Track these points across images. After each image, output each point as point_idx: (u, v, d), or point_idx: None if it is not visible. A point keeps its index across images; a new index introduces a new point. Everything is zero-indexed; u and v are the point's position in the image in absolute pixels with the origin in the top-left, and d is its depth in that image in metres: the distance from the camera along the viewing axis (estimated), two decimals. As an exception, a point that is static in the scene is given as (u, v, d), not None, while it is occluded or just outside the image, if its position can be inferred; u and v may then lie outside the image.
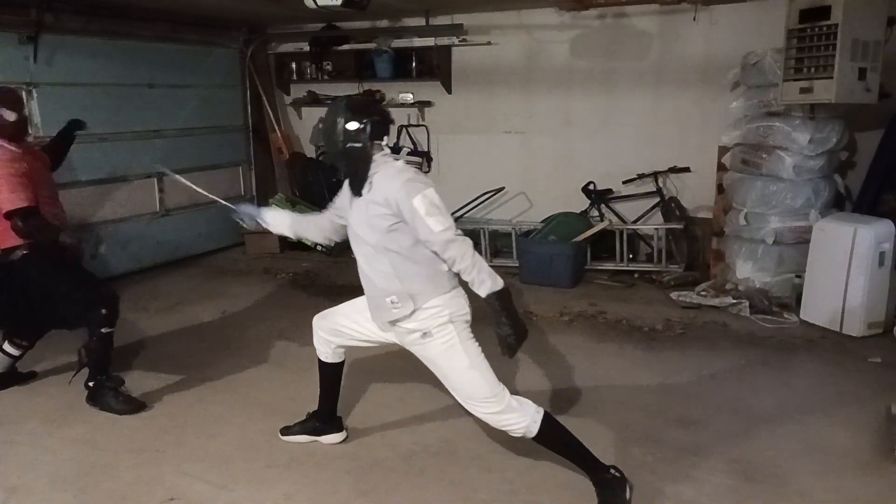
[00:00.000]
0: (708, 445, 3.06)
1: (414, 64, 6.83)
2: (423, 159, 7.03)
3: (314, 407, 3.51)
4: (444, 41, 6.62)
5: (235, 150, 7.37)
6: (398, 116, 7.09)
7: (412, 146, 7.12)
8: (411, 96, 6.92)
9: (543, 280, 5.55)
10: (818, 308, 4.53)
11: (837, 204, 5.12)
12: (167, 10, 6.07)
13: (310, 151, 7.65)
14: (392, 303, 2.61)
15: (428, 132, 7.05)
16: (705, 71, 5.72)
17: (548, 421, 2.60)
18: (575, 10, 6.00)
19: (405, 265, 2.57)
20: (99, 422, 3.37)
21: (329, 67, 7.28)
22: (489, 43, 6.48)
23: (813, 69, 4.43)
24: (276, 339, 4.50)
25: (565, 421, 3.27)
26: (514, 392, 2.66)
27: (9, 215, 3.22)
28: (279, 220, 3.07)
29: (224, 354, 4.26)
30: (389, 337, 2.81)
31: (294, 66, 7.49)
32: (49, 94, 5.33)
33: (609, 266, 5.82)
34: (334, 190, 8.01)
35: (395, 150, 7.10)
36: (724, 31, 5.60)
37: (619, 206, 6.21)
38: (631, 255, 5.91)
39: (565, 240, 5.65)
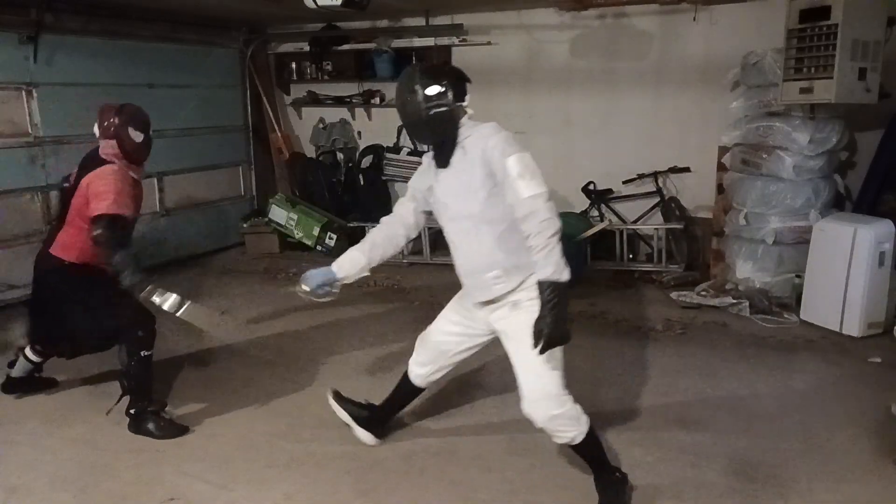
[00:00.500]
0: (708, 445, 3.06)
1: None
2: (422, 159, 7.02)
3: (314, 406, 3.52)
4: (444, 41, 6.63)
5: (235, 150, 7.37)
6: (398, 116, 7.08)
7: (412, 146, 7.11)
8: (411, 96, 6.91)
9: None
10: (818, 308, 4.53)
11: (837, 204, 5.12)
12: (167, 10, 6.07)
13: (310, 151, 7.65)
14: (495, 278, 2.46)
15: (428, 132, 7.04)
16: (705, 71, 5.72)
17: (591, 432, 2.54)
18: (575, 10, 6.01)
19: (509, 234, 2.42)
20: (99, 422, 3.37)
21: (329, 67, 7.29)
22: (489, 43, 6.48)
23: (813, 69, 4.43)
24: (276, 340, 4.50)
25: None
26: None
27: (98, 217, 3.03)
28: (353, 266, 2.77)
29: (224, 354, 4.26)
30: (481, 326, 2.68)
31: (294, 66, 7.49)
32: (49, 94, 5.32)
33: (609, 266, 5.82)
34: (334, 190, 8.09)
35: (395, 149, 7.11)
36: (724, 31, 5.60)
37: (619, 206, 6.21)
38: (631, 255, 5.91)
39: (565, 240, 5.63)
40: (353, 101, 7.25)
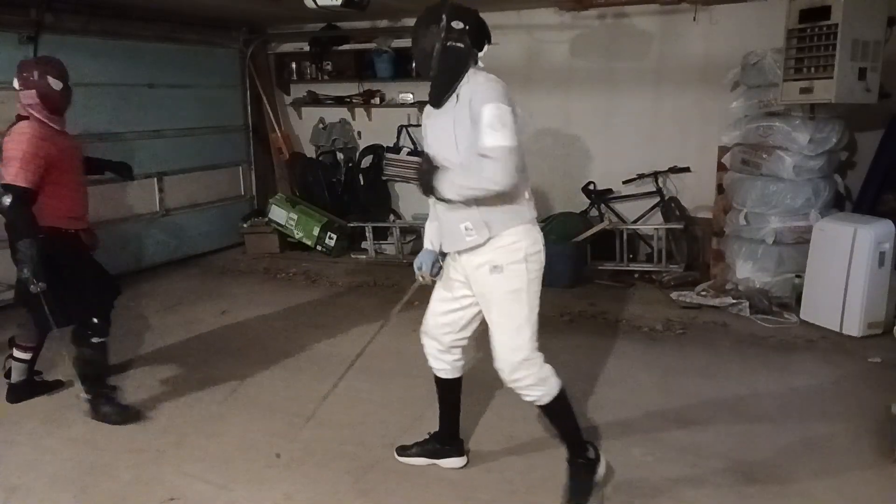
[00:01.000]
0: (708, 445, 3.06)
1: (414, 64, 6.82)
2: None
3: (312, 406, 3.51)
4: (444, 41, 6.61)
5: (235, 150, 7.37)
6: (398, 116, 7.11)
7: (412, 146, 7.12)
8: (411, 96, 6.92)
9: (543, 280, 5.53)
10: (818, 308, 4.53)
11: (837, 204, 5.12)
12: (167, 10, 6.07)
13: (310, 151, 7.65)
14: (466, 230, 2.46)
15: (428, 132, 7.04)
16: (705, 71, 5.72)
17: (560, 397, 2.57)
18: (575, 10, 6.00)
19: None
20: (99, 422, 3.37)
21: (329, 67, 7.29)
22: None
23: (813, 69, 4.43)
24: (276, 339, 4.51)
25: (565, 421, 3.29)
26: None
27: (4, 187, 3.08)
28: (438, 235, 2.74)
29: (224, 354, 4.26)
30: (466, 290, 2.64)
31: (294, 66, 7.50)
32: (49, 94, 5.32)
33: (609, 266, 5.82)
34: (334, 190, 8.10)
35: (395, 149, 7.11)
36: (724, 31, 5.60)
37: (619, 206, 6.21)
38: (631, 255, 5.91)
39: (565, 240, 5.64)
40: (353, 101, 7.25)
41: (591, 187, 6.21)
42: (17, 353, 3.59)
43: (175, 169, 6.54)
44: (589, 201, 6.23)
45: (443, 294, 2.78)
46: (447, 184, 2.38)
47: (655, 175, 5.95)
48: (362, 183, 7.16)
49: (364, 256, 6.62)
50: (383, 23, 6.92)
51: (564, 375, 3.80)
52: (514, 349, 2.50)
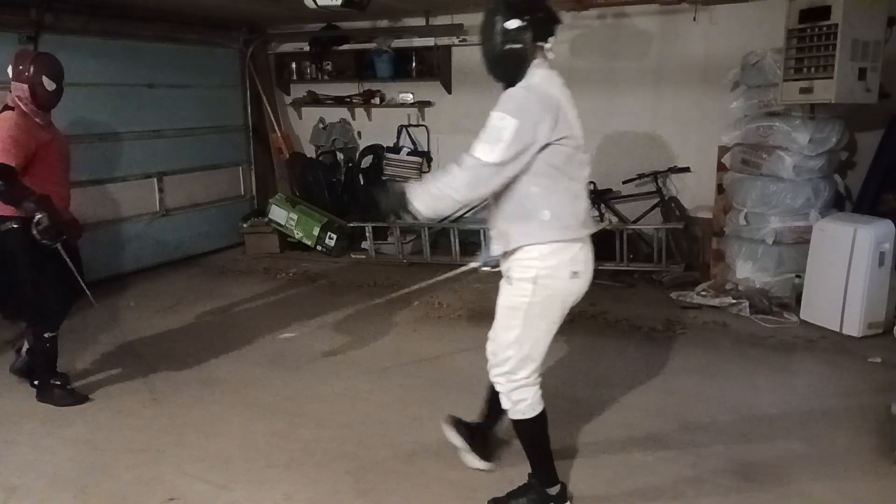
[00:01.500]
0: (708, 445, 3.06)
1: (414, 64, 6.83)
2: (423, 159, 7.04)
3: (314, 406, 3.53)
4: (444, 41, 6.62)
5: (235, 150, 7.37)
6: (398, 116, 7.11)
7: (412, 146, 7.12)
8: (411, 96, 6.92)
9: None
10: (818, 308, 4.53)
11: (837, 204, 5.12)
12: (167, 10, 6.07)
13: (310, 151, 7.65)
14: (493, 236, 2.47)
15: (428, 132, 7.05)
16: (705, 71, 5.72)
17: (530, 424, 2.50)
18: (575, 10, 6.00)
19: (507, 198, 2.35)
20: (99, 422, 3.38)
21: (329, 67, 7.29)
22: (489, 43, 6.46)
23: (813, 69, 4.43)
24: (276, 340, 4.50)
25: (565, 421, 3.29)
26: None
27: None
28: None
29: (224, 354, 4.26)
30: None
31: (294, 66, 7.50)
32: (49, 94, 5.33)
33: (609, 266, 5.81)
34: (334, 190, 8.11)
35: (395, 149, 7.11)
36: (724, 31, 5.60)
37: (620, 206, 6.21)
38: (631, 255, 5.90)
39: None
40: (353, 101, 7.25)
41: (591, 187, 6.21)
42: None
43: (175, 169, 6.54)
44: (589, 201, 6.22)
45: None
46: (418, 194, 2.32)
47: (655, 175, 5.94)
48: (362, 183, 7.16)
49: (364, 256, 6.62)
50: (383, 23, 6.92)
51: (564, 375, 3.83)
52: (499, 357, 2.47)
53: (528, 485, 2.62)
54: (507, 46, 2.28)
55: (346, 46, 7.05)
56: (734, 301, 4.83)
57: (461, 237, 6.32)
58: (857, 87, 4.40)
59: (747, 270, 5.03)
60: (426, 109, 6.99)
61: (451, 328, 4.67)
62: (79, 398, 3.58)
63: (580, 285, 2.41)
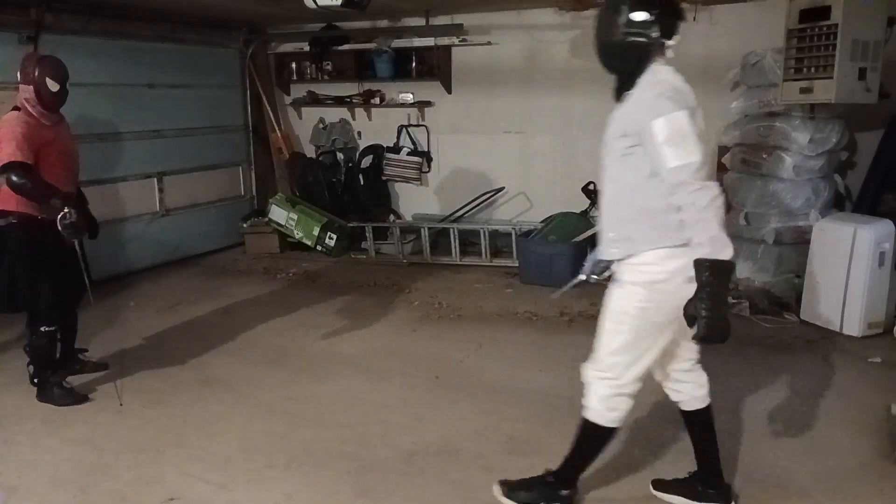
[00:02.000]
0: (708, 445, 3.06)
1: (414, 64, 6.83)
2: (423, 159, 7.04)
3: (314, 406, 3.52)
4: (444, 41, 6.62)
5: (235, 150, 7.37)
6: (398, 116, 7.11)
7: (412, 146, 7.12)
8: (411, 96, 6.92)
9: (543, 280, 5.54)
10: (818, 308, 4.53)
11: (837, 204, 5.12)
12: (167, 10, 6.07)
13: (310, 151, 7.65)
14: (612, 239, 2.31)
15: (428, 132, 7.05)
16: (705, 71, 5.70)
17: (599, 431, 2.42)
18: (575, 10, 6.00)
19: (626, 202, 2.22)
20: (99, 422, 3.38)
21: (329, 67, 7.28)
22: (489, 43, 6.47)
23: (813, 69, 4.43)
24: (276, 339, 4.51)
25: (565, 421, 3.29)
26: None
27: (3, 169, 3.27)
28: None
29: (224, 354, 4.26)
30: None
31: (294, 66, 7.49)
32: (49, 94, 5.33)
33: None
34: (334, 190, 8.11)
35: (395, 149, 7.11)
36: (724, 31, 5.60)
37: (619, 206, 6.20)
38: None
39: (565, 240, 5.65)
40: (353, 101, 7.25)
41: (591, 187, 6.20)
42: None
43: (175, 169, 6.54)
44: (589, 201, 6.22)
45: None
46: (711, 248, 2.03)
47: (655, 175, 5.93)
48: (362, 183, 7.16)
49: (364, 256, 6.62)
50: (383, 23, 6.92)
51: (565, 375, 3.83)
52: (603, 363, 2.35)
53: (542, 479, 2.59)
54: (630, 39, 2.15)
55: (346, 46, 7.05)
56: (734, 301, 4.82)
57: (461, 237, 6.32)
58: (857, 87, 4.40)
59: (747, 270, 5.03)
60: (426, 109, 6.99)
61: (451, 328, 4.67)
62: (78, 397, 3.60)
63: (692, 290, 2.13)
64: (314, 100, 7.42)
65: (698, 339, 2.11)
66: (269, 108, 7.50)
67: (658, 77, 2.18)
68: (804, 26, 4.46)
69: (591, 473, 2.83)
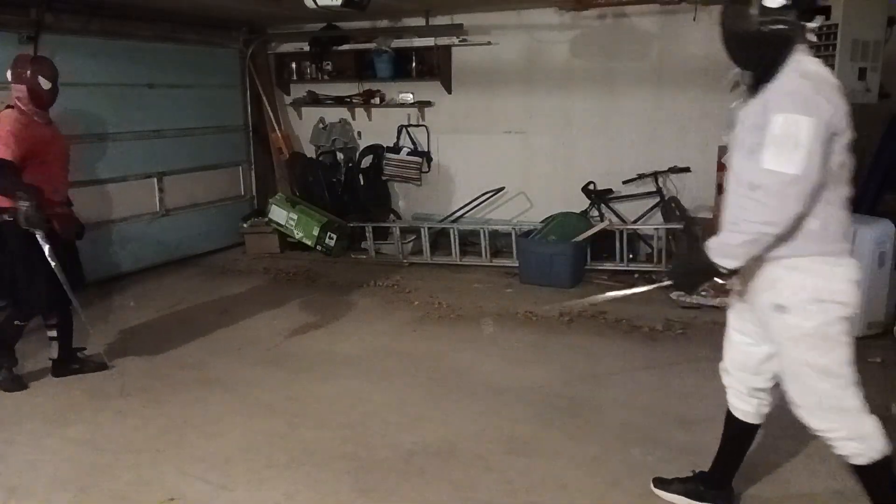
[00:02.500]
0: (708, 445, 3.04)
1: (414, 64, 6.83)
2: (423, 159, 7.04)
3: (314, 406, 3.52)
4: (444, 41, 6.62)
5: (235, 150, 7.37)
6: (398, 116, 7.11)
7: (412, 146, 7.12)
8: (411, 96, 6.92)
9: (543, 280, 5.55)
10: (818, 308, 4.52)
11: (837, 204, 5.11)
12: (167, 10, 6.07)
13: (310, 151, 7.65)
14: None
15: (428, 132, 7.05)
16: (705, 71, 5.71)
17: (882, 464, 2.15)
18: (575, 10, 6.01)
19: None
20: (99, 422, 3.38)
21: (329, 67, 7.28)
22: (489, 43, 6.48)
23: (813, 69, 4.43)
24: (276, 339, 4.50)
25: (565, 421, 3.30)
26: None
27: None
28: None
29: (224, 354, 4.26)
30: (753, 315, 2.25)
31: (294, 66, 7.49)
32: (49, 94, 5.33)
33: (609, 266, 5.82)
34: (334, 190, 8.12)
35: (395, 149, 7.11)
36: (725, 31, 5.59)
37: (619, 206, 6.21)
38: (631, 255, 5.91)
39: (565, 240, 5.65)
40: (353, 101, 7.25)
41: (591, 187, 6.21)
42: (48, 332, 3.90)
43: (175, 169, 6.54)
44: (589, 201, 6.23)
45: (732, 321, 2.39)
46: (723, 254, 2.00)
47: (655, 175, 5.94)
48: (362, 183, 7.16)
49: (364, 256, 6.62)
50: (383, 23, 6.92)
51: (565, 375, 3.83)
52: (813, 400, 2.13)
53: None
54: (768, 28, 1.97)
55: (346, 46, 7.05)
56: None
57: (461, 237, 6.33)
58: (858, 87, 4.40)
59: (747, 270, 5.02)
60: (426, 109, 6.99)
61: (451, 328, 4.67)
62: (20, 385, 3.73)
63: (821, 311, 2.04)
64: (314, 100, 7.42)
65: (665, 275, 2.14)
66: (269, 108, 7.50)
67: (804, 68, 1.99)
68: (804, 26, 4.46)
69: (591, 473, 2.84)
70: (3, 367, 3.73)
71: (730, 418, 2.48)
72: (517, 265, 5.86)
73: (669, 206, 5.89)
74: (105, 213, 5.91)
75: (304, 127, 7.69)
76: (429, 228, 6.42)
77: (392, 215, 7.16)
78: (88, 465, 2.98)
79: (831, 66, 4.28)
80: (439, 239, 6.63)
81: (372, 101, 7.15)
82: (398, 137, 7.12)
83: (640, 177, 6.01)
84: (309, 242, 6.71)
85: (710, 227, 5.58)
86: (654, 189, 5.97)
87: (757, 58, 2.04)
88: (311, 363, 4.11)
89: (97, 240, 5.78)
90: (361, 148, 7.27)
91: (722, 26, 2.11)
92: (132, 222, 6.17)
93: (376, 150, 7.15)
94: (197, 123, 6.78)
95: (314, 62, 7.34)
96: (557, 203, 6.26)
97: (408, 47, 6.80)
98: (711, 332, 4.52)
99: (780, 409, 3.29)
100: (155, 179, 6.35)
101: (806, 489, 2.75)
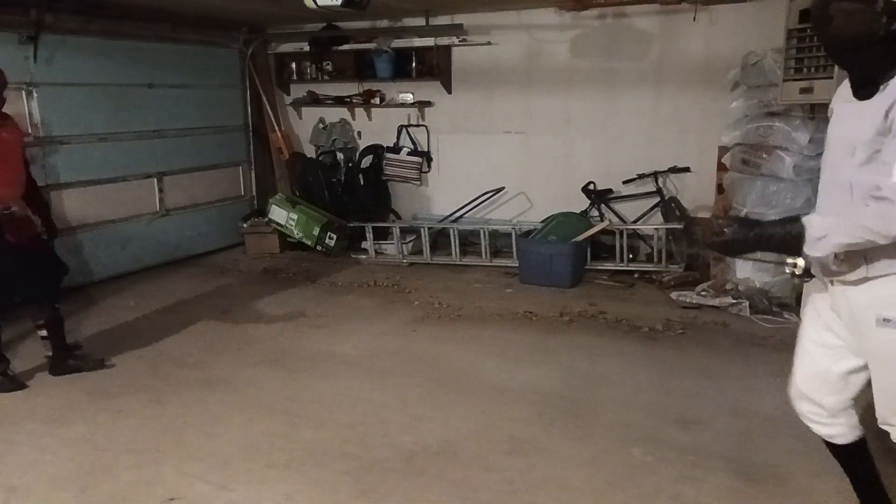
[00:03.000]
0: (708, 445, 3.06)
1: (414, 64, 6.83)
2: (423, 159, 7.04)
3: (314, 406, 3.52)
4: (444, 41, 6.63)
5: (235, 150, 7.37)
6: (398, 116, 7.11)
7: (412, 146, 7.12)
8: (411, 96, 6.92)
9: (543, 280, 5.55)
10: (818, 308, 4.52)
11: (837, 204, 5.11)
12: (167, 10, 6.07)
13: (310, 151, 7.65)
14: (835, 255, 1.90)
15: (428, 132, 7.06)
16: (705, 71, 5.72)
17: None
18: (575, 10, 6.01)
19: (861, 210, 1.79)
20: (99, 422, 3.38)
21: (329, 67, 7.28)
22: (489, 43, 6.48)
23: (813, 69, 4.43)
24: (276, 339, 4.50)
25: (565, 421, 3.30)
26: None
27: None
28: None
29: (224, 354, 4.26)
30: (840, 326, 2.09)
31: (294, 66, 7.49)
32: (49, 94, 5.33)
33: (609, 266, 5.82)
34: (334, 190, 8.12)
35: (395, 149, 7.11)
36: (724, 31, 5.60)
37: (619, 206, 6.21)
38: (631, 255, 5.91)
39: (565, 240, 5.65)
40: (353, 101, 7.25)
41: (591, 187, 6.21)
42: (38, 332, 3.92)
43: (175, 169, 6.54)
44: (589, 201, 6.23)
45: (810, 333, 2.24)
46: (813, 245, 1.80)
47: (655, 175, 5.95)
48: (362, 183, 7.16)
49: (364, 256, 6.62)
50: (383, 23, 6.92)
51: (565, 375, 3.83)
52: None
53: None
54: (893, 26, 1.78)
55: (346, 46, 7.05)
56: (734, 301, 4.83)
57: (461, 237, 6.33)
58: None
59: (747, 270, 5.03)
60: (426, 109, 6.99)
61: (451, 328, 4.67)
62: (17, 385, 3.72)
63: None
64: (314, 100, 7.43)
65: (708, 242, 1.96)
66: (269, 108, 7.50)
67: None
68: (804, 26, 4.45)
69: (591, 473, 2.84)
70: None
71: (830, 447, 2.32)
72: (517, 265, 5.86)
73: (669, 206, 5.90)
74: (105, 213, 5.92)
75: (304, 127, 7.69)
76: (429, 228, 6.42)
77: (392, 215, 7.16)
78: (88, 465, 2.98)
79: (831, 66, 4.30)
80: (439, 239, 6.64)
81: (372, 101, 7.15)
82: (398, 137, 7.12)
83: (640, 177, 6.02)
84: (309, 242, 6.71)
85: (711, 226, 5.59)
86: (654, 189, 5.97)
87: (880, 59, 1.84)
88: (311, 363, 4.11)
89: (97, 240, 5.79)
90: (361, 148, 7.28)
91: (833, 29, 1.88)
92: (132, 222, 6.17)
93: (376, 150, 7.15)
94: (197, 123, 6.78)
95: (314, 62, 7.34)
96: (557, 203, 6.26)
97: (408, 47, 6.80)
98: (711, 331, 4.53)
99: (782, 410, 3.29)
100: (155, 179, 6.35)
101: (805, 488, 2.75)
